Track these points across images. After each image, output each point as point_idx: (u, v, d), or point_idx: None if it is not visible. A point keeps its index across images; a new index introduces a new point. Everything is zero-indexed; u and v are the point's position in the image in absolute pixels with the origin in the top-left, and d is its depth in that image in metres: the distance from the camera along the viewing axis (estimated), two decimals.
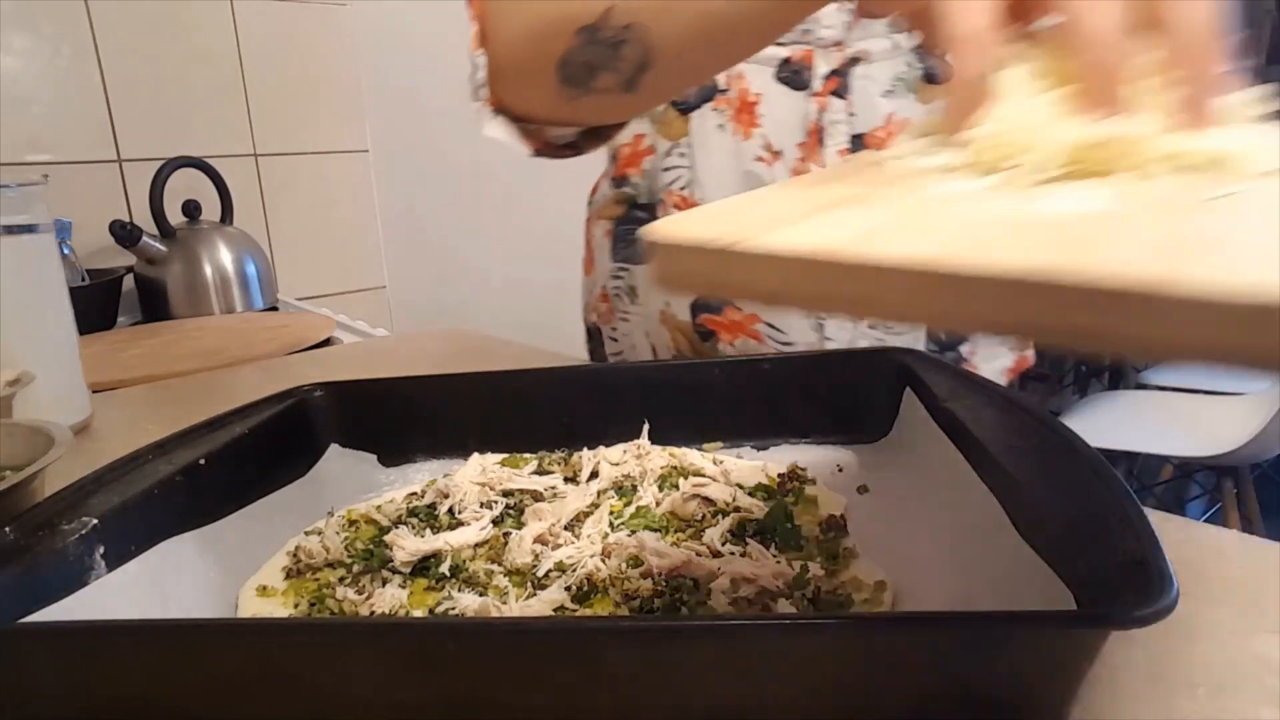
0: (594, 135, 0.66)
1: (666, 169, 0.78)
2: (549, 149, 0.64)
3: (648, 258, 0.25)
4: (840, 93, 0.73)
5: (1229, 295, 0.17)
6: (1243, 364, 0.18)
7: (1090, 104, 0.32)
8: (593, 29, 0.52)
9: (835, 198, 0.27)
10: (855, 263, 0.20)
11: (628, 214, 0.83)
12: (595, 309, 0.90)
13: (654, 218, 0.78)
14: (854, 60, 0.73)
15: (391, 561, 0.46)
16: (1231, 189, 0.26)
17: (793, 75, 0.74)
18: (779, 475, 0.54)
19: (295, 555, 0.47)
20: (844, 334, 0.78)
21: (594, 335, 0.92)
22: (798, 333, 0.77)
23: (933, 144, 0.34)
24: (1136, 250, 0.20)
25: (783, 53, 0.74)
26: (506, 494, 0.53)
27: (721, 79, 0.75)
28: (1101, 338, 0.19)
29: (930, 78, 0.76)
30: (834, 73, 0.73)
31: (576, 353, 0.95)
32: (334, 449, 0.59)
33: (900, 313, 0.21)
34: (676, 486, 0.52)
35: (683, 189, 0.78)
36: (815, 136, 0.74)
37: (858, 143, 0.74)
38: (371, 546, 0.48)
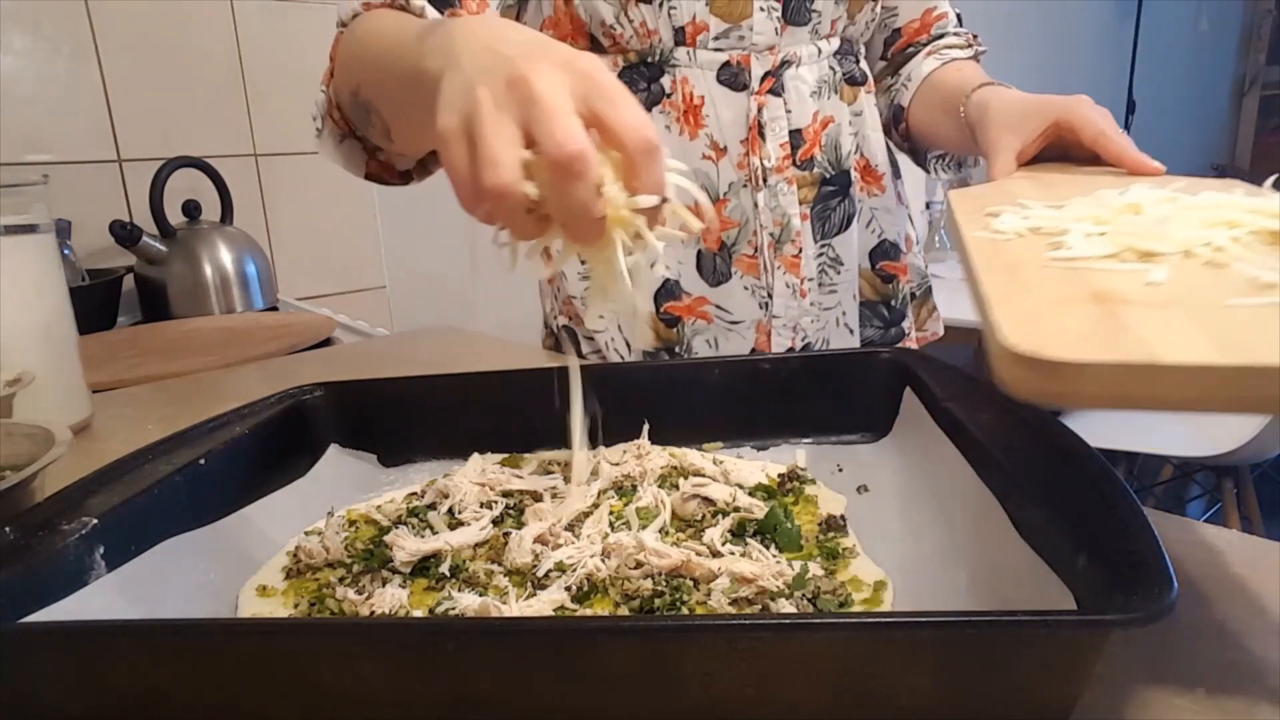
0: (421, 167, 0.71)
1: None
2: (389, 173, 0.71)
3: (1010, 373, 0.27)
4: (776, 91, 0.81)
5: None
6: None
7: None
8: (354, 94, 0.63)
9: (1101, 293, 0.33)
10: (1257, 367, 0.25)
11: None
12: (565, 312, 0.94)
13: None
14: (785, 63, 0.81)
15: (391, 561, 0.46)
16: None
17: (732, 77, 0.80)
18: (779, 475, 0.54)
19: (295, 555, 0.47)
20: (791, 311, 0.84)
21: (565, 337, 0.95)
22: (743, 310, 0.84)
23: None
24: None
25: (721, 57, 0.80)
26: (506, 494, 0.53)
27: (667, 84, 0.81)
28: None
29: (851, 80, 0.86)
30: (769, 74, 0.80)
31: None
32: (334, 449, 0.59)
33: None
34: (676, 486, 0.52)
35: None
36: (756, 132, 0.80)
37: (796, 137, 0.82)
38: (371, 546, 0.48)
